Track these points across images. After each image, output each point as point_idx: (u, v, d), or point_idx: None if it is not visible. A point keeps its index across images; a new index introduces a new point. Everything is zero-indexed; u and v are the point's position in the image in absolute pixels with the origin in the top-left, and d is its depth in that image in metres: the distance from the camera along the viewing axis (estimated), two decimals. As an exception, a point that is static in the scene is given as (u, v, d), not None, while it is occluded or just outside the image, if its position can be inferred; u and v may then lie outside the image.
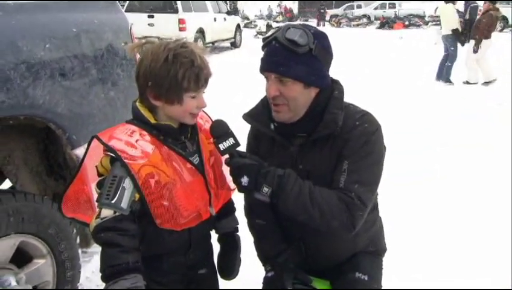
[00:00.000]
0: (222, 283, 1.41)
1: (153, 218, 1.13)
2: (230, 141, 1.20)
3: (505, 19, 18.57)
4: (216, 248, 1.40)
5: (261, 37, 1.34)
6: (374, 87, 7.36)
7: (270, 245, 1.43)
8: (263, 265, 1.46)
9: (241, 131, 1.43)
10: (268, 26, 17.75)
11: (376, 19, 26.72)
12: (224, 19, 13.33)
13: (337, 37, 11.76)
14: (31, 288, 1.64)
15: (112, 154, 1.09)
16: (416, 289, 2.15)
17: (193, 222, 1.20)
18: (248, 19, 26.93)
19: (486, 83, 7.68)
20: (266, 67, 1.25)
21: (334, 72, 1.31)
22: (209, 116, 1.35)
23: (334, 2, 31.74)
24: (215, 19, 12.54)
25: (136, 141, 1.11)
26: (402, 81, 8.00)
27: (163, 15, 10.79)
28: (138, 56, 1.20)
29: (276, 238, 1.44)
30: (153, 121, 1.15)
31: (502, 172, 3.67)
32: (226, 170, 1.27)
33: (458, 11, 8.18)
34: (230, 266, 1.36)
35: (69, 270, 1.76)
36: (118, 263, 1.03)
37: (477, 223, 2.83)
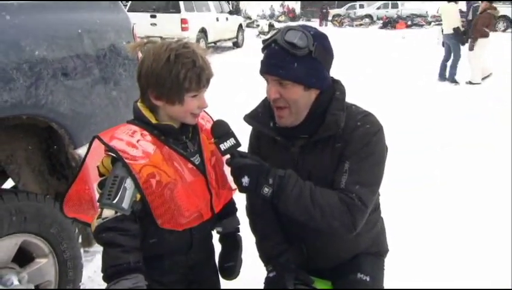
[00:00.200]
0: (223, 283, 1.41)
1: (154, 218, 1.13)
2: (231, 141, 1.20)
3: (508, 19, 18.52)
4: (217, 248, 1.40)
5: (263, 36, 1.33)
6: (376, 87, 7.35)
7: (272, 245, 1.43)
8: (265, 265, 1.46)
9: (243, 131, 1.43)
10: (271, 26, 17.79)
11: (378, 18, 26.64)
12: (227, 19, 13.34)
13: (339, 37, 11.79)
14: (33, 287, 1.64)
15: (113, 154, 1.10)
16: (417, 289, 2.15)
17: (194, 222, 1.20)
18: (250, 18, 26.90)
19: (471, 83, 7.69)
20: (266, 70, 1.25)
21: (336, 72, 1.31)
22: (210, 117, 1.35)
23: (336, 1, 31.65)
24: (217, 19, 12.55)
25: (137, 141, 1.11)
26: (404, 81, 7.99)
27: (165, 15, 10.82)
28: (140, 55, 1.20)
29: (278, 238, 1.43)
30: (154, 121, 1.16)
31: (502, 173, 3.67)
32: (227, 170, 1.27)
33: (461, 11, 8.16)
34: (231, 266, 1.36)
35: (71, 270, 1.76)
36: (119, 263, 1.03)
37: (477, 224, 2.83)
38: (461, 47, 7.80)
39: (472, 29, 7.61)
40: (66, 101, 1.63)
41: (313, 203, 1.20)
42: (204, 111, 1.29)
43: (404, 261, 2.25)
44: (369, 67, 9.56)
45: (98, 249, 2.09)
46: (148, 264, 1.12)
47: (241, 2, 23.08)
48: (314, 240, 1.39)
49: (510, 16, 18.40)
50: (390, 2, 28.10)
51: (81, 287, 1.94)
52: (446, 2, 8.07)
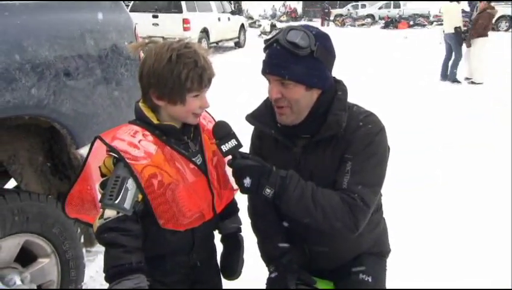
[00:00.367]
0: (225, 283, 1.41)
1: (156, 218, 1.13)
2: (233, 142, 1.20)
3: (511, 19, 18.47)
4: (219, 248, 1.40)
5: (265, 37, 1.33)
6: (377, 87, 7.34)
7: (274, 246, 1.42)
8: (266, 266, 1.46)
9: (244, 131, 1.43)
10: (273, 26, 17.75)
11: (380, 18, 26.60)
12: (229, 19, 13.34)
13: (341, 37, 11.78)
14: (35, 287, 1.65)
15: (114, 154, 1.09)
16: (418, 289, 2.14)
17: (196, 222, 1.20)
18: (252, 18, 26.87)
19: (473, 83, 7.70)
20: (267, 69, 1.24)
21: (337, 72, 1.31)
22: (212, 117, 1.34)
23: (338, 1, 31.62)
24: (219, 19, 12.56)
25: (139, 141, 1.11)
26: (406, 81, 7.98)
27: (167, 15, 10.83)
28: (142, 56, 1.20)
29: (280, 238, 1.43)
30: (155, 121, 1.16)
31: (503, 173, 3.66)
32: (229, 170, 1.27)
33: (463, 11, 8.15)
34: (233, 266, 1.36)
35: (73, 270, 1.77)
36: (121, 264, 1.03)
37: (478, 224, 2.83)
38: (463, 47, 7.80)
39: (471, 30, 7.61)
40: (68, 101, 1.63)
41: (314, 204, 1.19)
42: (206, 111, 1.29)
43: (406, 261, 2.24)
44: (371, 67, 9.55)
45: (100, 249, 2.08)
46: (150, 264, 1.12)
47: (243, 2, 23.04)
48: (316, 241, 1.39)
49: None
50: (392, 1, 28.04)
51: (83, 287, 1.94)
52: (448, 1, 8.05)
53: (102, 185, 1.14)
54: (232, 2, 15.36)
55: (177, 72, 1.09)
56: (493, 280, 2.24)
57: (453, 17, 7.80)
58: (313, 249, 1.42)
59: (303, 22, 26.81)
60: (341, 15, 28.40)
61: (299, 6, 34.59)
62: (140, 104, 1.18)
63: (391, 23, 23.50)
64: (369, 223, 1.29)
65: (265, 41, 1.26)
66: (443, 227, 2.80)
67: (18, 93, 1.44)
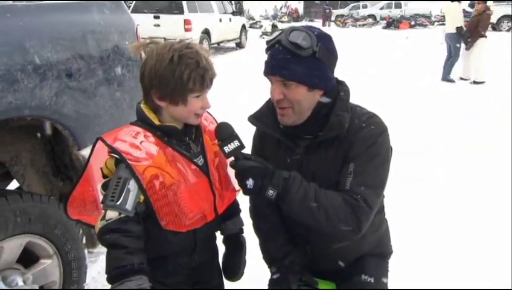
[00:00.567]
0: (227, 284, 1.41)
1: (158, 219, 1.13)
2: (235, 143, 1.19)
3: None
4: (221, 249, 1.39)
5: (266, 37, 1.33)
6: (379, 87, 7.33)
7: (276, 247, 1.42)
8: (268, 267, 1.45)
9: (246, 132, 1.42)
10: (274, 27, 17.73)
11: (382, 18, 26.52)
12: (230, 20, 13.34)
13: (343, 37, 11.77)
14: (37, 288, 1.65)
15: (116, 156, 1.09)
16: (418, 289, 2.14)
17: (198, 223, 1.20)
18: (253, 19, 26.88)
19: (475, 82, 7.71)
20: (269, 70, 1.24)
21: (339, 72, 1.31)
22: (213, 118, 1.34)
23: (339, 2, 31.59)
24: (220, 20, 12.56)
25: (141, 142, 1.11)
26: (407, 82, 7.97)
27: (169, 16, 10.83)
28: (143, 56, 1.20)
29: (282, 240, 1.43)
30: (157, 122, 1.16)
31: (503, 173, 3.66)
32: (231, 171, 1.27)
33: (465, 11, 8.15)
34: (235, 267, 1.36)
35: (75, 271, 1.77)
36: (123, 265, 1.03)
37: (480, 225, 2.82)
38: (462, 47, 7.80)
39: (471, 30, 7.60)
40: (70, 102, 1.63)
41: (317, 206, 1.19)
42: (208, 112, 1.29)
43: (408, 262, 2.24)
44: (373, 67, 9.53)
45: (102, 250, 2.10)
46: (152, 265, 1.12)
47: (244, 2, 23.02)
48: (318, 242, 1.39)
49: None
50: (393, 2, 27.97)
51: (85, 288, 1.94)
52: (450, 1, 8.05)
53: (104, 187, 1.14)
54: (233, 2, 15.34)
55: (179, 73, 1.09)
56: (493, 280, 2.25)
57: (455, 17, 7.80)
58: (315, 250, 1.42)
59: (304, 23, 26.81)
60: (342, 15, 28.36)
61: (300, 7, 34.56)
62: (142, 105, 1.18)
63: (392, 23, 23.42)
64: (372, 225, 1.28)
65: (267, 42, 1.26)
66: (445, 228, 2.80)
67: (20, 95, 1.44)
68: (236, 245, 1.38)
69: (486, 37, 7.61)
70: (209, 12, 12.04)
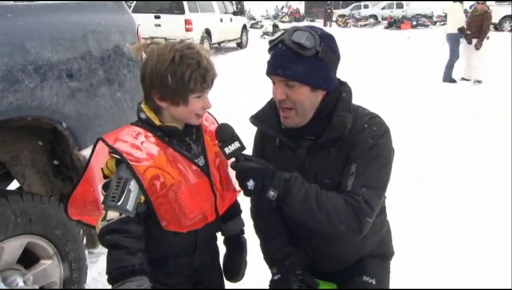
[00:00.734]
0: (228, 285, 1.41)
1: (159, 220, 1.13)
2: (236, 144, 1.19)
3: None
4: (222, 249, 1.39)
5: (267, 37, 1.33)
6: (381, 87, 7.32)
7: (277, 248, 1.42)
8: (269, 268, 1.45)
9: (247, 132, 1.42)
10: (275, 27, 17.73)
11: (383, 19, 26.45)
12: (231, 20, 13.34)
13: (344, 37, 11.73)
14: (38, 289, 1.65)
15: (117, 156, 1.09)
16: (418, 289, 2.14)
17: (199, 223, 1.19)
18: (254, 19, 26.86)
19: (477, 82, 7.74)
20: (272, 70, 1.24)
21: (341, 73, 1.30)
22: (214, 118, 1.34)
23: (341, 2, 31.53)
24: (221, 20, 12.56)
25: (141, 143, 1.11)
26: (409, 82, 7.95)
27: (169, 16, 10.84)
28: (144, 57, 1.20)
29: (283, 240, 1.42)
30: (157, 122, 1.15)
31: (504, 173, 3.66)
32: (231, 172, 1.26)
33: (466, 11, 8.14)
34: (236, 268, 1.36)
35: (75, 271, 1.77)
36: (124, 265, 1.03)
37: (482, 226, 2.82)
38: (462, 47, 7.79)
39: (477, 29, 7.58)
40: (70, 102, 1.63)
41: (318, 207, 1.19)
42: (208, 112, 1.29)
43: (410, 264, 2.23)
44: (374, 67, 9.52)
45: (102, 250, 2.09)
46: (153, 266, 1.12)
47: (245, 2, 22.99)
48: (319, 243, 1.38)
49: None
50: (395, 2, 27.91)
51: (86, 289, 1.94)
52: (451, 1, 8.04)
53: (105, 187, 1.14)
54: (234, 2, 15.34)
55: (180, 73, 1.09)
56: (493, 280, 2.25)
57: (456, 17, 7.79)
58: (316, 251, 1.41)
59: (305, 23, 26.78)
60: (343, 15, 28.31)
61: (301, 7, 34.51)
62: (143, 106, 1.18)
63: (394, 23, 23.35)
64: (373, 226, 1.28)
65: (270, 42, 1.25)
66: (446, 228, 2.79)
67: (21, 95, 1.44)
68: (237, 246, 1.37)
69: (488, 37, 7.64)
70: (210, 12, 12.05)
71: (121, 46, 1.93)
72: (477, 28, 7.56)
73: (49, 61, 1.55)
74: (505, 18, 18.68)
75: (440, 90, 7.34)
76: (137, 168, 1.07)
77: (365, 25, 25.45)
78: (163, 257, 1.21)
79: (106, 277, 1.05)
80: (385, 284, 1.43)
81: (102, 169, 1.18)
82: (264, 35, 17.72)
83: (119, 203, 1.05)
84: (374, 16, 27.35)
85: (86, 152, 1.63)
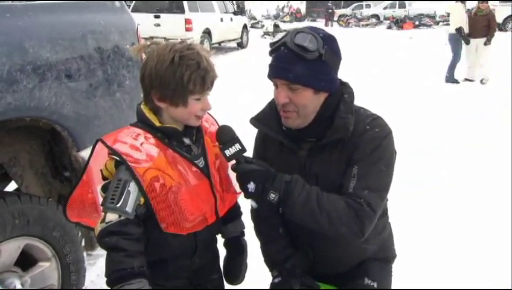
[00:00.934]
0: (228, 288, 1.40)
1: (158, 222, 1.12)
2: (237, 146, 1.18)
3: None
4: (222, 252, 1.38)
5: (268, 37, 1.32)
6: (383, 87, 7.32)
7: (277, 250, 1.41)
8: (270, 271, 1.44)
9: (248, 133, 1.41)
10: (276, 26, 17.72)
11: (385, 18, 26.32)
12: (231, 19, 13.33)
13: (346, 37, 11.73)
14: (35, 291, 1.64)
15: (116, 157, 1.09)
16: (418, 289, 2.13)
17: (199, 226, 1.19)
18: (255, 19, 26.86)
19: (469, 80, 7.83)
20: (275, 73, 1.22)
21: (343, 73, 1.29)
22: (214, 119, 1.33)
23: (342, 2, 31.46)
24: (221, 19, 12.55)
25: (141, 144, 1.10)
26: (411, 82, 7.95)
27: (169, 15, 10.83)
28: (144, 57, 1.19)
29: (284, 243, 1.41)
30: (157, 123, 1.15)
31: (505, 173, 3.67)
32: (232, 173, 1.26)
33: (470, 11, 8.12)
34: (236, 271, 1.35)
35: (73, 274, 1.76)
36: (123, 268, 1.02)
37: (480, 226, 2.83)
38: (463, 47, 7.80)
39: (484, 29, 7.61)
40: (69, 103, 1.62)
41: (320, 209, 1.18)
42: (209, 113, 1.28)
43: (412, 266, 2.22)
44: (376, 67, 9.51)
45: (101, 252, 2.08)
46: (152, 268, 1.12)
47: (245, 2, 22.97)
48: (320, 245, 1.37)
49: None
50: (397, 1, 27.82)
51: (84, 291, 1.93)
52: (454, 1, 8.04)
53: (104, 188, 1.14)
54: (234, 2, 15.32)
55: (180, 74, 1.08)
56: (493, 280, 2.25)
57: (458, 17, 7.77)
58: (317, 253, 1.40)
59: (306, 23, 26.79)
60: (345, 15, 28.22)
61: (302, 7, 34.49)
62: (142, 106, 1.18)
63: (396, 23, 23.24)
64: (375, 228, 1.27)
65: (271, 44, 1.24)
66: (447, 229, 2.79)
67: (19, 95, 1.43)
68: (237, 248, 1.37)
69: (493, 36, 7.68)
70: (210, 11, 12.03)
71: (121, 46, 1.92)
72: (484, 27, 7.57)
73: (48, 61, 1.55)
74: (508, 18, 18.62)
75: (442, 90, 7.34)
76: (136, 170, 1.06)
77: (367, 25, 25.34)
78: (162, 259, 1.21)
79: (105, 279, 1.04)
80: (387, 288, 1.42)
81: (101, 170, 1.17)
82: (265, 35, 17.72)
83: (118, 205, 1.05)
84: (376, 16, 27.28)
85: (85, 153, 1.62)
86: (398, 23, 23.00)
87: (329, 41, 1.21)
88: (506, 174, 3.62)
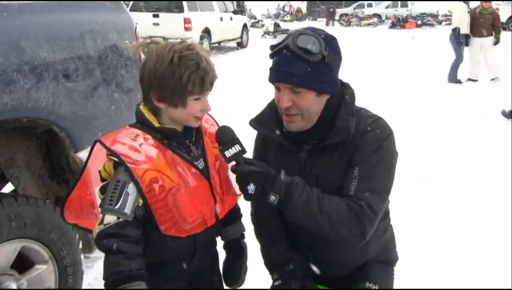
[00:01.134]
0: (227, 290, 1.39)
1: (157, 224, 1.11)
2: (236, 148, 1.17)
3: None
4: (222, 254, 1.37)
5: (268, 37, 1.31)
6: (385, 87, 7.33)
7: (278, 253, 1.40)
8: (270, 274, 1.43)
9: (248, 134, 1.40)
10: (276, 26, 17.73)
11: (387, 18, 26.26)
12: (231, 19, 13.31)
13: (347, 36, 11.72)
14: (32, 294, 1.63)
15: (115, 158, 1.08)
16: (418, 289, 2.12)
17: (198, 228, 1.18)
18: (255, 18, 26.87)
19: (473, 80, 7.86)
20: (278, 77, 1.21)
21: (343, 73, 1.28)
22: (214, 120, 1.33)
23: (343, 1, 31.40)
24: (221, 19, 12.54)
25: (140, 145, 1.10)
26: (413, 82, 7.94)
27: (168, 14, 10.82)
28: (143, 56, 1.18)
29: (284, 246, 1.40)
30: (156, 124, 1.14)
31: (507, 173, 3.66)
32: (232, 175, 1.24)
33: (474, 11, 8.10)
34: (236, 273, 1.34)
35: (71, 276, 1.75)
36: (121, 270, 1.01)
37: (481, 226, 2.83)
38: (464, 48, 7.80)
39: (489, 28, 7.62)
40: (67, 103, 1.62)
41: (320, 211, 1.17)
42: (208, 114, 1.28)
43: (415, 269, 2.21)
44: (378, 67, 9.50)
45: (98, 255, 2.07)
46: (151, 271, 1.11)
47: (245, 1, 22.97)
48: (321, 248, 1.36)
49: (508, 15, 18.22)
50: (399, 1, 27.77)
51: (82, 294, 1.92)
52: (456, 1, 8.03)
53: (102, 190, 1.13)
54: (234, 1, 15.32)
55: (179, 74, 1.08)
56: (493, 280, 2.25)
57: (459, 17, 7.77)
58: (318, 256, 1.39)
59: (307, 22, 26.78)
60: (346, 14, 28.15)
61: (303, 6, 34.47)
62: (141, 107, 1.17)
63: (398, 22, 23.18)
64: (376, 231, 1.26)
65: (272, 47, 1.22)
66: (448, 229, 2.79)
67: (16, 95, 1.42)
68: (237, 251, 1.36)
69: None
70: (210, 11, 12.02)
71: (119, 46, 1.92)
72: (489, 25, 7.58)
73: (45, 61, 1.54)
74: (510, 18, 18.61)
75: (444, 90, 7.34)
76: (135, 171, 1.06)
77: (369, 24, 25.19)
78: (161, 261, 1.20)
79: (102, 282, 1.03)
80: (389, 291, 1.41)
81: (99, 172, 1.16)
82: (265, 35, 17.73)
83: (116, 207, 1.04)
84: (378, 15, 27.19)
85: (83, 154, 1.62)
86: (400, 22, 22.92)
87: (331, 43, 1.20)
88: (508, 175, 3.61)
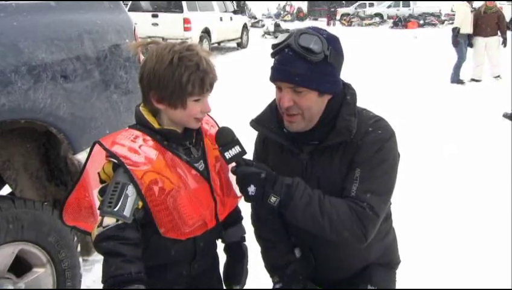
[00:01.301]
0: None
1: (157, 226, 1.10)
2: (237, 149, 1.16)
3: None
4: (222, 257, 1.36)
5: (268, 37, 1.30)
6: (386, 88, 7.32)
7: (278, 255, 1.39)
8: (271, 276, 1.42)
9: (248, 134, 1.39)
10: (277, 26, 17.72)
11: (389, 17, 26.13)
12: (231, 19, 13.29)
13: (348, 36, 11.68)
14: (30, 297, 1.62)
15: (114, 160, 1.07)
16: (417, 289, 2.11)
17: (198, 230, 1.17)
18: (255, 18, 26.85)
19: (476, 81, 7.89)
20: (279, 77, 1.19)
21: (344, 73, 1.27)
22: (215, 121, 1.32)
23: (345, 1, 31.36)
24: (221, 19, 12.51)
25: (140, 146, 1.09)
26: (415, 82, 7.92)
27: (167, 14, 10.78)
28: (142, 57, 1.17)
29: (285, 248, 1.40)
30: (156, 126, 1.13)
31: (508, 174, 3.67)
32: (232, 176, 1.24)
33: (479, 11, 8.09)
34: (236, 276, 1.34)
35: (69, 280, 1.74)
36: (120, 273, 1.00)
37: (482, 226, 2.83)
38: (467, 48, 7.80)
39: (494, 27, 7.64)
40: (65, 104, 1.61)
41: (321, 213, 1.16)
42: (209, 115, 1.27)
43: (417, 272, 2.21)
44: (380, 67, 9.51)
45: (97, 258, 2.07)
46: (150, 274, 1.09)
47: (246, 1, 22.95)
48: (322, 250, 1.35)
49: (508, 15, 18.21)
50: (401, 0, 27.64)
51: (80, 297, 1.90)
52: (460, 1, 8.03)
53: (102, 192, 1.12)
54: (234, 1, 15.30)
55: (178, 75, 1.07)
56: (493, 280, 2.26)
57: (462, 16, 7.75)
58: (319, 258, 1.38)
59: (308, 22, 26.77)
60: (348, 14, 28.02)
61: (303, 6, 34.45)
62: (141, 108, 1.16)
63: (400, 22, 23.10)
64: (378, 233, 1.25)
65: (274, 46, 1.21)
66: (448, 229, 2.79)
67: (13, 97, 1.42)
68: (237, 254, 1.35)
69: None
70: (210, 10, 11.99)
71: (118, 47, 1.91)
72: (495, 24, 7.58)
73: (43, 62, 1.53)
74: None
75: (447, 90, 7.33)
76: (135, 173, 1.05)
77: (370, 24, 25.08)
78: (161, 264, 1.19)
79: (101, 285, 1.02)
80: (391, 294, 1.40)
81: (98, 173, 1.16)
82: (266, 35, 17.72)
83: (115, 209, 1.03)
84: (380, 15, 27.10)
85: (81, 156, 1.62)
86: (402, 22, 22.83)
87: (334, 42, 1.19)
88: (508, 175, 3.61)
